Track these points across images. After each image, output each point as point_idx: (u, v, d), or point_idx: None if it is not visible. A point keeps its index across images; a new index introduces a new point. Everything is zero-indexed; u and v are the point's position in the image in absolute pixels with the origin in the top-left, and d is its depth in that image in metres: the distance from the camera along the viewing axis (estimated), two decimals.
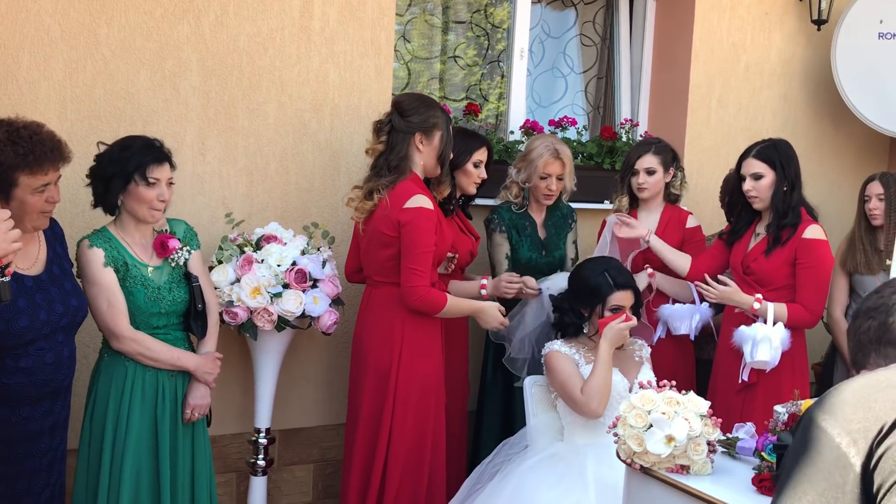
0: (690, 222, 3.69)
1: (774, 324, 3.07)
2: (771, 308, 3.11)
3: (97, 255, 2.64)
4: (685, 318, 3.41)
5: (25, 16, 3.01)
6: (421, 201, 2.96)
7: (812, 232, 3.19)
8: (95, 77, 3.14)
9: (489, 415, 3.48)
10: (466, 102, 4.21)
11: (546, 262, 3.52)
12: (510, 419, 3.35)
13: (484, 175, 3.46)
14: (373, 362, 3.06)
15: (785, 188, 3.19)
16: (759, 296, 3.15)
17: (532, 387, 3.15)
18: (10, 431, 2.39)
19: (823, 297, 3.24)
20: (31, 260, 2.48)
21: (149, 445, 2.69)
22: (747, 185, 3.24)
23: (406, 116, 3.03)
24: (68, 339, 2.54)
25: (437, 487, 3.12)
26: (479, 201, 3.72)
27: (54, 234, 2.61)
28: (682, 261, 3.48)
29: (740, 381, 3.16)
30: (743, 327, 3.14)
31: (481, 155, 3.42)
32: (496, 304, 3.20)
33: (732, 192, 3.42)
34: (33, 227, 2.44)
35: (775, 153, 3.21)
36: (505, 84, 4.43)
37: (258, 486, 3.32)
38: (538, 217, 3.62)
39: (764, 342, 3.03)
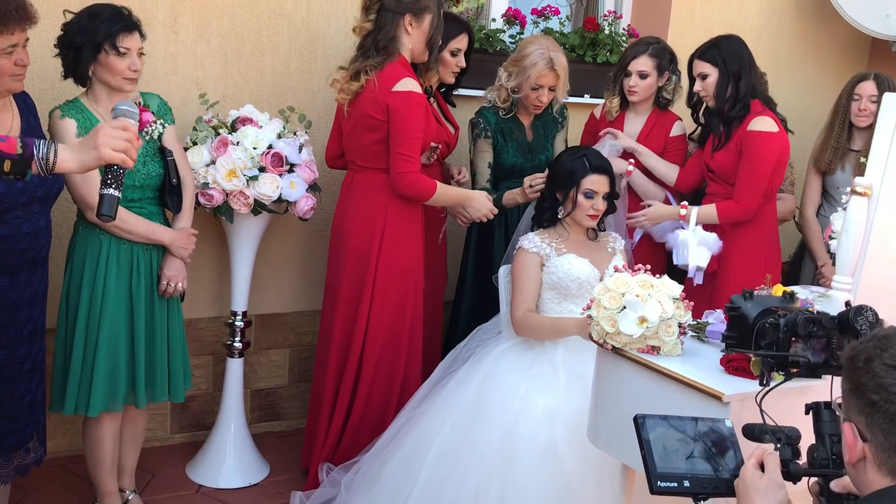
0: (676, 130, 3.62)
1: (697, 228, 3.21)
2: (694, 211, 3.25)
3: (69, 126, 2.58)
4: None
5: None
6: (410, 85, 2.92)
7: (756, 124, 3.22)
8: None
9: (466, 303, 3.52)
10: None
11: (532, 166, 3.44)
12: (486, 309, 3.39)
13: (463, 64, 3.37)
14: (353, 247, 3.07)
15: (730, 83, 3.24)
16: (685, 202, 3.29)
17: (507, 276, 3.19)
18: None
19: (758, 190, 3.25)
20: (6, 129, 2.43)
21: (125, 318, 2.71)
22: (697, 85, 3.33)
23: None
24: (44, 210, 2.52)
25: (412, 371, 3.19)
26: (463, 91, 3.65)
27: (27, 106, 2.55)
28: (669, 171, 3.50)
29: (694, 285, 3.23)
30: (668, 234, 3.32)
31: (459, 42, 3.32)
32: (484, 193, 3.20)
33: (691, 94, 3.44)
34: (6, 90, 2.38)
35: (717, 51, 3.27)
36: None
37: (235, 367, 3.36)
38: (526, 119, 3.51)
39: (681, 246, 3.20)
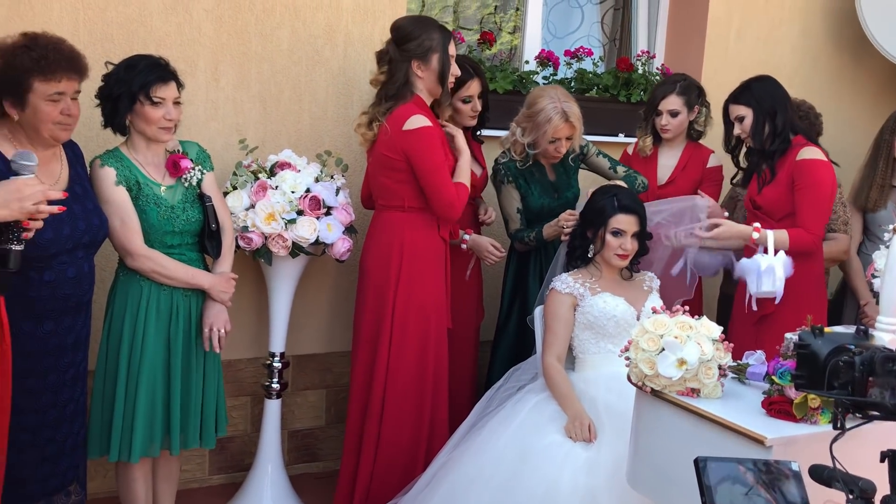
0: (711, 161, 3.67)
1: (776, 252, 3.07)
2: (770, 235, 3.11)
3: (109, 174, 2.65)
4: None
5: None
6: (420, 121, 2.98)
7: (807, 153, 3.20)
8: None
9: (504, 342, 3.51)
10: (480, 33, 4.15)
11: (560, 205, 3.43)
12: (525, 348, 3.38)
13: (478, 108, 3.41)
14: (373, 284, 3.11)
15: (766, 121, 3.23)
16: (757, 224, 3.16)
17: (541, 317, 3.18)
18: (35, 345, 2.44)
19: (823, 217, 3.22)
20: (55, 177, 2.51)
21: (163, 363, 2.75)
22: (735, 129, 3.31)
23: (401, 45, 3.02)
24: (88, 256, 2.58)
25: (439, 410, 3.17)
26: (493, 132, 3.68)
27: (75, 156, 2.63)
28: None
29: (747, 310, 3.18)
30: (744, 259, 3.14)
31: (469, 90, 3.34)
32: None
33: (728, 140, 3.42)
34: (50, 137, 2.45)
35: (749, 93, 3.27)
36: (520, 16, 4.36)
37: (272, 409, 3.38)
38: (545, 161, 3.48)
39: (767, 273, 3.03)
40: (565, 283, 2.99)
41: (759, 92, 3.26)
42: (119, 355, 2.70)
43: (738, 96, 3.30)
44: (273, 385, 3.36)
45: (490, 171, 3.55)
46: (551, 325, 2.97)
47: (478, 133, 3.58)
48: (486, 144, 3.66)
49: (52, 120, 2.40)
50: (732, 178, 3.59)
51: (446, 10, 4.32)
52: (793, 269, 3.09)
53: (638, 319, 2.90)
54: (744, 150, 3.40)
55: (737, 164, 3.48)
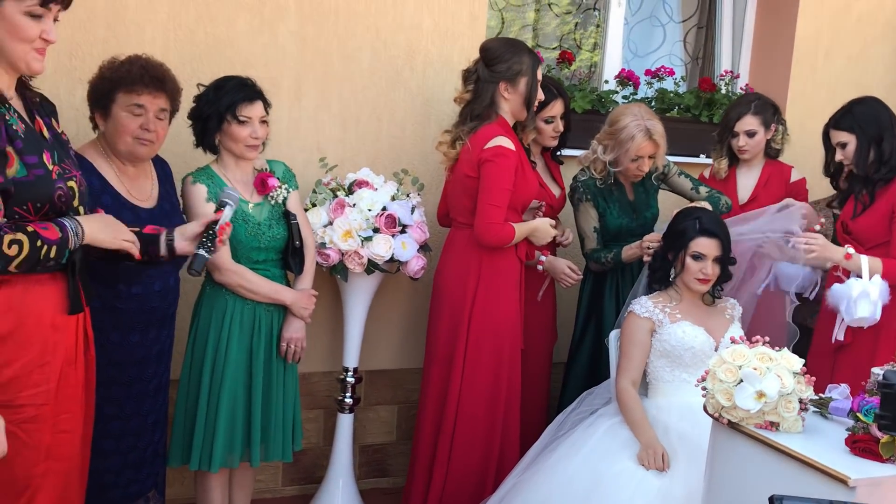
0: (794, 175, 3.59)
1: (871, 277, 2.95)
2: (865, 260, 2.98)
3: (200, 191, 2.75)
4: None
5: None
6: (501, 141, 2.99)
7: None
8: (198, 20, 3.22)
9: (578, 365, 3.47)
10: (560, 51, 4.14)
11: (639, 226, 3.40)
12: (599, 371, 3.34)
13: (560, 129, 3.41)
14: (448, 303, 3.12)
15: (871, 148, 3.09)
16: (849, 247, 3.03)
17: (617, 340, 3.14)
18: (122, 355, 2.55)
19: None
20: (146, 194, 2.62)
21: (244, 375, 2.82)
22: (837, 155, 3.17)
23: (491, 66, 3.04)
24: (174, 270, 2.68)
25: (511, 432, 3.16)
26: (573, 152, 3.66)
27: (165, 174, 2.75)
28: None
29: (833, 340, 3.06)
30: (836, 285, 3.01)
31: (552, 110, 3.35)
32: (547, 220, 3.19)
33: (828, 164, 3.30)
34: (127, 151, 2.56)
35: (851, 118, 3.13)
36: (600, 33, 4.33)
37: (345, 423, 3.43)
38: (625, 180, 3.44)
39: (862, 298, 2.90)
40: (644, 306, 2.94)
41: (862, 117, 3.11)
42: (203, 366, 2.79)
43: (839, 121, 3.16)
44: (346, 400, 3.41)
45: (568, 190, 3.53)
46: (627, 349, 2.93)
47: (557, 153, 3.57)
48: (565, 164, 3.64)
49: (131, 133, 2.51)
50: (830, 202, 3.46)
51: (525, 29, 4.32)
52: (889, 295, 2.96)
53: (717, 350, 2.83)
54: (844, 174, 3.27)
55: (836, 187, 3.36)
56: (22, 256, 1.85)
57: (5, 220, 1.87)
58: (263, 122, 2.81)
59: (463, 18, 3.64)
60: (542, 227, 3.14)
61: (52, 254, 1.92)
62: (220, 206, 2.39)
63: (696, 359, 2.84)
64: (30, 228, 1.88)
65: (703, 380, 2.30)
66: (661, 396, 2.92)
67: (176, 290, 2.71)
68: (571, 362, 3.51)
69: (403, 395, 3.84)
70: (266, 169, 2.91)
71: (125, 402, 2.57)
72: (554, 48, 4.29)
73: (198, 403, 2.77)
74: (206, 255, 2.28)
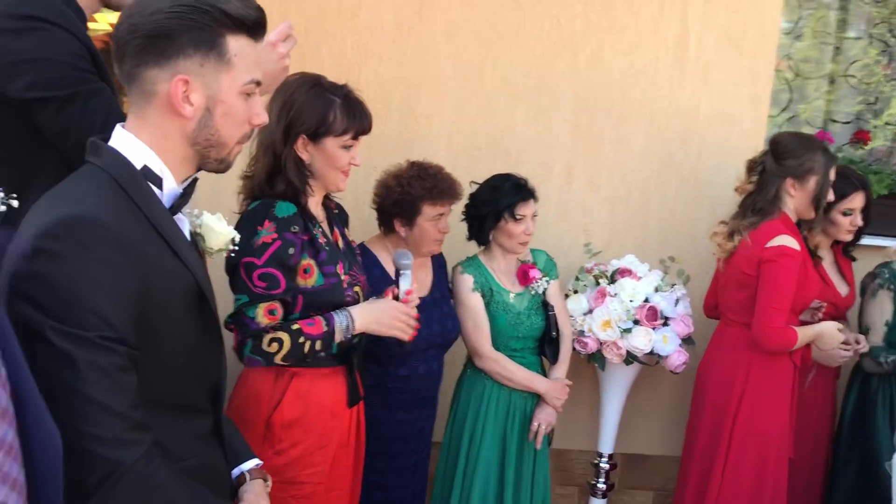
0: None
1: None
2: None
3: (467, 281, 2.94)
4: None
5: (426, 59, 3.42)
6: (785, 240, 2.84)
7: None
8: (479, 112, 3.46)
9: (842, 486, 3.18)
10: (854, 130, 3.84)
11: None
12: (869, 490, 3.03)
13: (858, 223, 3.16)
14: (711, 401, 3.01)
15: None
16: None
17: None
18: (387, 430, 2.78)
19: None
20: (424, 288, 2.86)
21: (498, 454, 2.95)
22: None
23: (780, 160, 2.93)
24: (439, 355, 2.88)
25: None
26: (865, 241, 3.38)
27: (439, 264, 2.98)
28: None
29: None
30: None
31: (852, 202, 3.14)
32: (835, 323, 2.94)
33: None
34: (427, 252, 2.82)
35: None
36: None
37: None
38: None
39: None
40: None
41: None
42: (461, 442, 2.96)
43: None
44: (599, 485, 3.42)
45: (860, 283, 3.27)
46: None
47: (849, 249, 3.32)
48: (860, 259, 3.37)
49: (433, 238, 2.77)
50: None
51: (818, 100, 4.06)
52: None
53: None
54: None
55: None
56: (283, 352, 2.11)
57: (280, 321, 2.13)
58: (534, 216, 2.95)
59: (744, 101, 3.52)
60: (828, 332, 2.93)
61: (318, 346, 2.15)
62: (396, 279, 2.36)
63: None
64: (294, 326, 2.13)
65: None
66: None
67: (439, 373, 2.90)
68: (834, 478, 3.22)
69: (660, 482, 3.75)
70: (529, 259, 3.04)
71: (388, 474, 2.79)
72: (848, 122, 3.99)
73: (454, 481, 2.94)
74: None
